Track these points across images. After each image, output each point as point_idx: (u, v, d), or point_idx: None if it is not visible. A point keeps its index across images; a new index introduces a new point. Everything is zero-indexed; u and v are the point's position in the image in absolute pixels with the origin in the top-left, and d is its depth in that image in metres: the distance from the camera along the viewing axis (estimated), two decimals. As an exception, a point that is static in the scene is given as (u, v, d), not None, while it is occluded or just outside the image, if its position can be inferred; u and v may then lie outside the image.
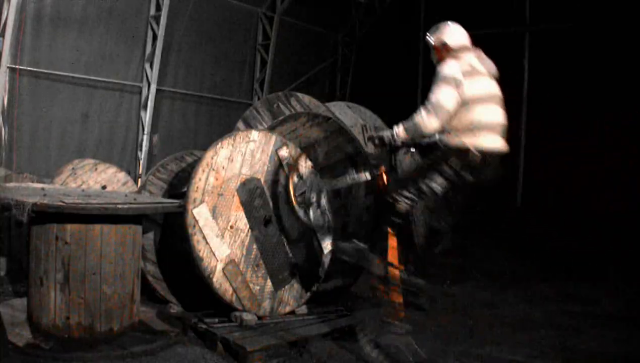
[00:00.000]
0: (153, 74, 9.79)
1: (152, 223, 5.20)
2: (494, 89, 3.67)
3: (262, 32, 11.89)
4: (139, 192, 5.57)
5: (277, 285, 4.65)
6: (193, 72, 10.73)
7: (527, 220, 11.12)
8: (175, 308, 5.00)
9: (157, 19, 9.64)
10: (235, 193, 4.52)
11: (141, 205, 4.20)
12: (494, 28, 12.14)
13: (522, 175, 11.99)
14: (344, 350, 4.42)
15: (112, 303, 4.11)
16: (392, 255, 3.67)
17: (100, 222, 4.03)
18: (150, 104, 9.86)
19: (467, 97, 3.46)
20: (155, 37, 9.72)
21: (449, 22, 3.88)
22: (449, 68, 3.54)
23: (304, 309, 4.85)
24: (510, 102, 12.86)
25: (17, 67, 8.10)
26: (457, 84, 3.43)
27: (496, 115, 3.59)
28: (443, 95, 3.43)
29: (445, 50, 3.72)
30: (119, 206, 3.98)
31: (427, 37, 3.95)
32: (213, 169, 4.42)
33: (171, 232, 5.20)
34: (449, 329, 5.13)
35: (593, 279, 7.44)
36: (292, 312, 4.77)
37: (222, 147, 4.49)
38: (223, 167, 4.47)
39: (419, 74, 13.60)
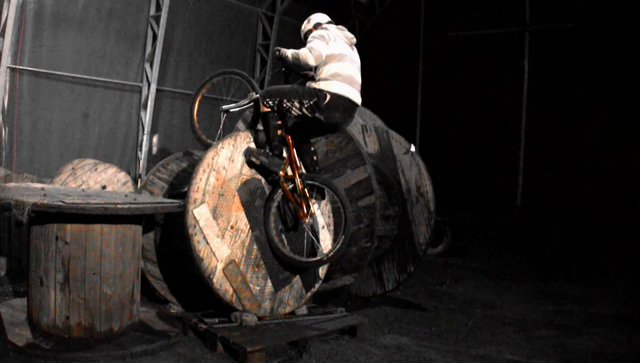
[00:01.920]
0: (153, 74, 9.79)
1: (152, 223, 5.20)
2: (354, 55, 4.68)
3: (262, 32, 11.90)
4: (139, 192, 5.57)
5: (277, 285, 4.65)
6: (193, 72, 10.73)
7: (527, 220, 11.14)
8: (175, 308, 5.00)
9: (157, 19, 9.64)
10: (236, 193, 4.51)
11: (141, 205, 4.20)
12: (494, 28, 12.18)
13: (522, 175, 12.00)
14: (344, 350, 4.42)
15: (112, 303, 4.11)
16: (293, 156, 4.60)
17: (100, 222, 4.03)
18: (150, 103, 9.86)
19: (330, 53, 4.47)
20: (155, 37, 9.72)
21: (315, 13, 5.01)
22: (318, 32, 4.63)
23: (304, 309, 4.85)
24: (510, 102, 12.88)
25: (17, 67, 8.10)
26: (325, 40, 4.49)
27: (349, 69, 4.54)
28: (317, 44, 4.45)
29: (319, 28, 4.76)
30: (119, 206, 3.98)
31: (302, 30, 4.96)
32: (214, 169, 4.42)
33: (171, 232, 5.20)
34: (449, 329, 5.13)
35: (593, 280, 7.45)
36: (292, 313, 4.77)
37: (222, 148, 4.49)
38: (224, 168, 4.47)
39: (419, 74, 13.62)
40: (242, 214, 4.52)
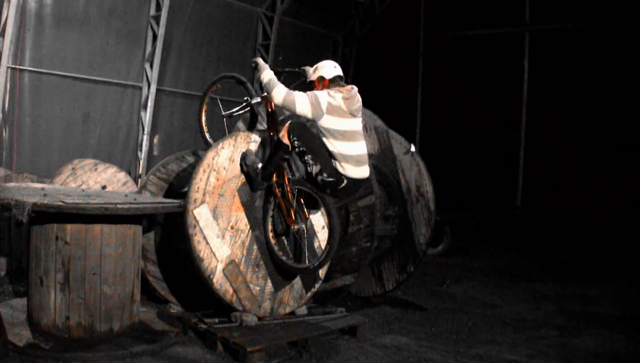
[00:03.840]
0: (153, 74, 9.79)
1: (152, 223, 5.20)
2: (357, 126, 4.31)
3: (262, 32, 11.90)
4: (139, 192, 5.57)
5: (278, 285, 4.65)
6: (193, 72, 10.73)
7: (527, 220, 11.14)
8: (175, 308, 5.00)
9: (157, 19, 9.65)
10: (236, 193, 4.51)
11: (141, 205, 4.20)
12: (494, 28, 12.18)
13: (522, 175, 12.00)
14: (344, 350, 4.42)
15: (112, 303, 4.11)
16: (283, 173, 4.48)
17: (100, 222, 4.03)
18: (150, 103, 9.86)
19: (328, 127, 4.16)
20: (155, 37, 9.72)
21: (326, 61, 4.51)
22: (318, 92, 4.21)
23: (304, 309, 4.85)
24: (510, 102, 12.87)
25: (18, 67, 8.10)
26: (315, 105, 4.13)
27: (358, 148, 4.28)
28: (300, 99, 4.15)
29: (322, 83, 4.37)
30: (119, 206, 3.98)
31: (307, 75, 4.56)
32: (214, 170, 4.42)
33: (171, 232, 5.20)
34: (449, 329, 5.13)
35: (593, 280, 7.45)
36: (292, 313, 4.77)
37: (223, 148, 4.49)
38: (224, 168, 4.47)
39: (419, 74, 13.63)
40: (242, 214, 4.52)
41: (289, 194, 4.44)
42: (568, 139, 11.07)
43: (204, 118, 5.14)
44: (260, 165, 4.44)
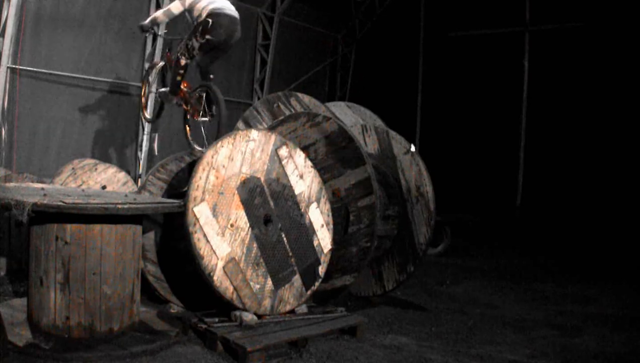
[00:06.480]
0: (153, 74, 9.77)
1: (152, 223, 5.20)
2: None
3: (262, 32, 11.89)
4: (139, 192, 5.57)
5: (278, 283, 4.65)
6: (193, 72, 10.70)
7: (527, 220, 11.14)
8: (175, 308, 5.00)
9: (157, 19, 9.63)
10: (236, 192, 4.52)
11: (141, 205, 4.20)
12: (494, 28, 12.18)
13: (522, 175, 12.01)
14: (344, 350, 4.42)
15: (112, 303, 4.11)
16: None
17: (100, 222, 4.03)
18: (150, 103, 9.84)
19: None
20: (155, 37, 9.71)
21: None
22: None
23: (304, 308, 4.85)
24: (510, 102, 12.88)
25: (17, 67, 8.10)
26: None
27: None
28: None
29: None
30: (119, 206, 3.98)
31: None
32: (213, 168, 4.42)
33: (171, 232, 5.20)
34: (449, 329, 5.13)
35: (593, 280, 7.45)
36: (293, 311, 4.77)
37: (222, 146, 4.50)
38: (223, 166, 4.47)
39: (419, 74, 13.63)
40: (241, 212, 4.52)
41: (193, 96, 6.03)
42: (568, 139, 11.08)
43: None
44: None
